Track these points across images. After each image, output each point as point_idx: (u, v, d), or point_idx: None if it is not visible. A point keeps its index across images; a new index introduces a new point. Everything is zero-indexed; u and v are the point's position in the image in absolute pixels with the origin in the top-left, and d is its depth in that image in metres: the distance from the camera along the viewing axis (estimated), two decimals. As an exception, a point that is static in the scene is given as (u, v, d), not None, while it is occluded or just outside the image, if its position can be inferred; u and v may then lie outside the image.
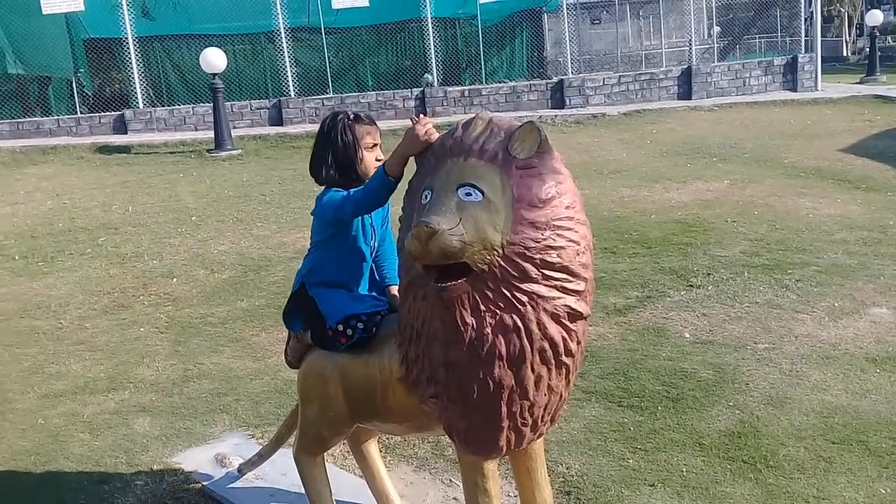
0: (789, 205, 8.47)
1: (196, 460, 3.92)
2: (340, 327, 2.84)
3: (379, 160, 2.89)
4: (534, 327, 2.28)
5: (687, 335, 5.19)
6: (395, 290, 2.90)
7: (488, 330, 2.29)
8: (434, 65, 15.95)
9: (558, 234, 2.27)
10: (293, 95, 15.42)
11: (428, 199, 2.31)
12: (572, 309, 2.32)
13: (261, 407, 4.48)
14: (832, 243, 7.04)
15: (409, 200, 2.50)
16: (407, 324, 2.50)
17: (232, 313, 6.01)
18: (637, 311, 5.60)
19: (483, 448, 2.49)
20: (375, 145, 2.99)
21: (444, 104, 15.32)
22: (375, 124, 3.05)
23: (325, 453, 3.22)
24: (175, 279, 6.92)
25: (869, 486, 3.44)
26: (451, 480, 3.75)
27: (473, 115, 2.42)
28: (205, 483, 3.69)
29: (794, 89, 16.82)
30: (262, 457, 3.59)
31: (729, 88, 16.55)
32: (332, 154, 2.94)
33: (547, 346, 2.32)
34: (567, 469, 3.70)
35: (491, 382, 2.33)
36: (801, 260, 6.56)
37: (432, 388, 2.47)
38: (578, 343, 2.40)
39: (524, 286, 2.26)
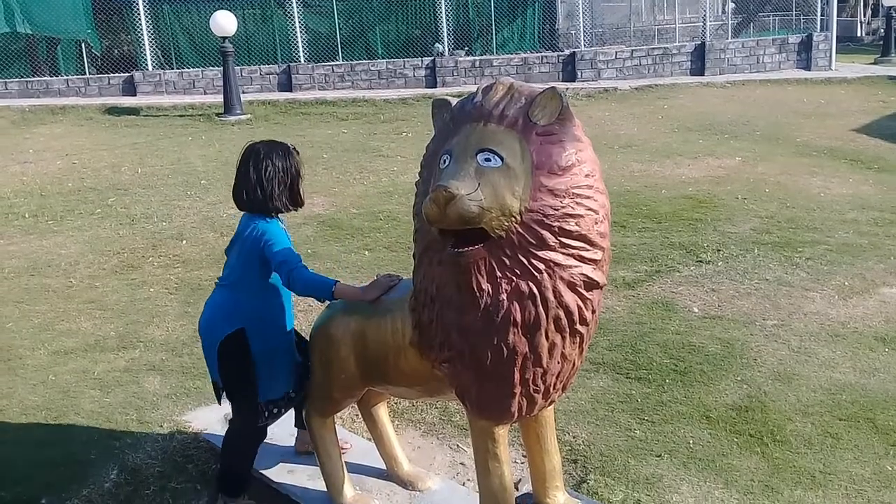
0: (801, 183, 8.42)
1: (206, 419, 3.95)
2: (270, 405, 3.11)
3: None
4: (549, 295, 2.28)
5: (695, 310, 5.20)
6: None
7: (504, 296, 2.29)
8: (445, 34, 15.80)
9: (577, 203, 2.26)
10: (303, 61, 15.31)
11: (446, 163, 2.30)
12: (589, 278, 2.32)
13: (270, 369, 4.51)
14: (843, 222, 7.01)
15: (427, 164, 2.48)
16: (421, 289, 2.50)
17: (241, 277, 6.02)
18: (646, 285, 5.60)
19: (495, 414, 2.50)
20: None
21: (455, 74, 15.20)
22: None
23: (335, 415, 3.24)
24: (184, 241, 6.93)
25: (876, 463, 3.46)
26: (458, 445, 3.78)
27: (494, 80, 2.40)
28: (214, 441, 3.72)
29: (807, 68, 16.64)
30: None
31: (742, 65, 16.37)
32: (290, 183, 3.02)
33: (562, 314, 2.32)
34: (574, 438, 3.72)
35: (505, 349, 2.34)
36: (811, 238, 6.54)
37: (445, 353, 2.48)
38: (593, 312, 2.40)
39: (541, 254, 2.25)
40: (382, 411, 3.34)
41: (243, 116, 12.39)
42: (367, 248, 6.57)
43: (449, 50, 15.75)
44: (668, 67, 16.03)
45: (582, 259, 2.29)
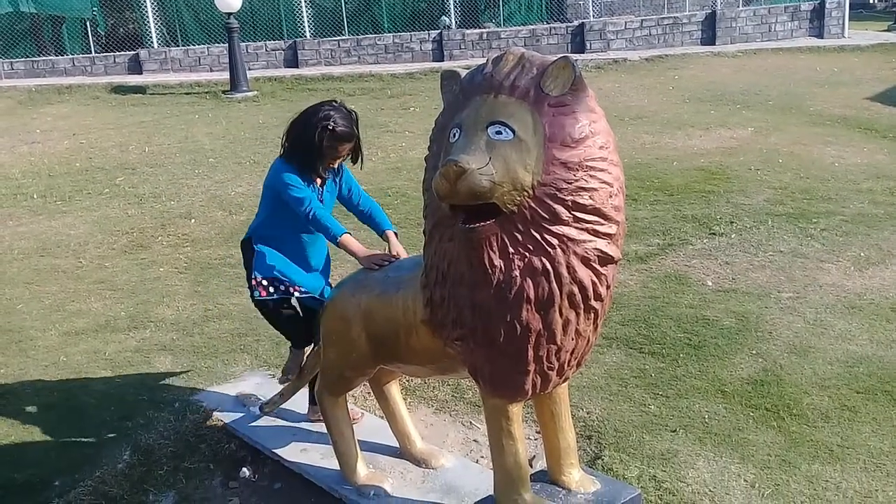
0: (814, 153, 8.30)
1: (218, 399, 3.94)
2: (265, 282, 3.30)
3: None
4: (563, 270, 2.23)
5: (709, 283, 5.14)
6: (391, 234, 3.31)
7: (517, 272, 2.24)
8: (452, 6, 15.62)
9: (591, 175, 2.20)
10: (309, 37, 15.17)
11: (456, 137, 2.24)
12: (603, 252, 2.26)
13: (281, 347, 4.47)
14: (858, 192, 6.91)
15: (437, 138, 2.42)
16: (433, 265, 2.45)
17: (250, 255, 5.99)
18: (658, 259, 5.54)
19: (509, 391, 2.47)
20: (341, 157, 3.27)
21: (462, 47, 15.03)
22: (349, 142, 3.25)
23: (347, 394, 3.22)
24: (193, 220, 6.90)
25: (894, 436, 3.41)
26: (470, 423, 3.76)
27: (504, 50, 2.33)
28: (227, 421, 3.72)
29: (820, 36, 16.38)
30: (283, 396, 3.60)
31: (754, 34, 16.12)
32: (305, 149, 3.23)
33: (576, 289, 2.27)
34: (588, 414, 3.69)
35: (518, 326, 2.30)
36: (826, 209, 6.45)
37: (458, 331, 2.44)
38: (608, 287, 2.35)
39: (554, 228, 2.20)
40: (395, 389, 3.32)
41: (250, 93, 12.31)
42: (376, 224, 6.52)
43: (456, 22, 15.57)
44: (678, 37, 15.81)
45: (596, 233, 2.24)
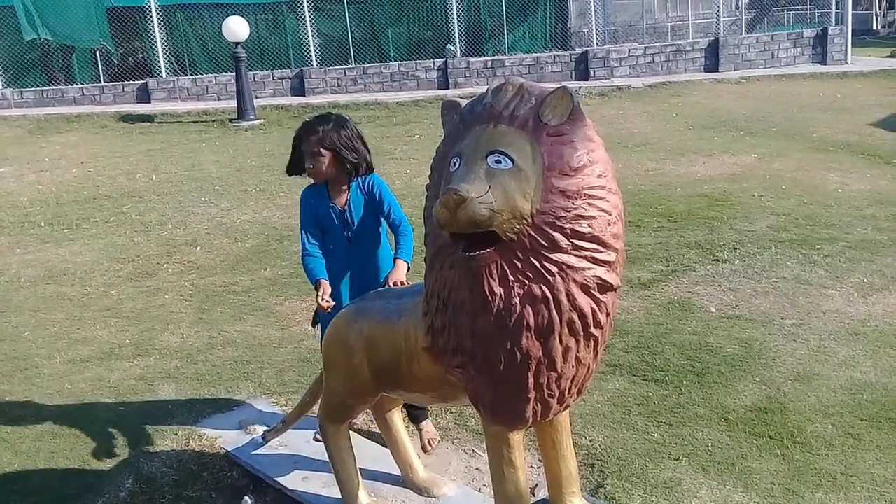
0: (818, 179, 8.32)
1: (220, 427, 3.95)
2: None
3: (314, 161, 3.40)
4: (563, 298, 2.24)
5: (713, 310, 5.14)
6: (400, 262, 3.36)
7: (516, 300, 2.25)
8: (457, 35, 15.78)
9: (589, 204, 2.22)
10: (315, 66, 15.34)
11: (456, 166, 2.27)
12: (602, 280, 2.28)
13: (284, 375, 4.50)
14: (862, 219, 6.92)
15: (437, 167, 2.45)
16: (434, 293, 2.47)
17: (255, 282, 6.03)
18: (662, 285, 5.55)
19: (509, 419, 2.47)
20: (307, 153, 3.39)
21: (467, 75, 15.17)
22: (311, 134, 3.37)
23: (349, 422, 3.22)
24: (199, 248, 6.94)
25: (898, 464, 3.39)
26: (473, 451, 3.75)
27: (503, 81, 2.36)
28: (229, 449, 3.72)
29: (823, 62, 16.49)
30: (286, 424, 3.60)
31: (757, 61, 16.23)
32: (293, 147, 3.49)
33: (576, 317, 2.28)
34: (591, 442, 3.68)
35: (518, 353, 2.31)
36: (829, 235, 6.46)
37: (459, 358, 2.45)
38: (608, 315, 2.36)
39: (554, 256, 2.22)
40: (397, 416, 3.32)
41: (257, 121, 12.42)
42: (380, 251, 6.55)
43: (461, 51, 15.72)
44: (681, 64, 15.93)
45: (595, 261, 2.25)
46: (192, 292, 5.96)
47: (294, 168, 3.44)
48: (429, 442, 3.67)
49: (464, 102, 2.45)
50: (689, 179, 8.41)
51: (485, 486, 3.45)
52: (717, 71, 15.74)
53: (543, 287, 2.23)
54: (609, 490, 3.29)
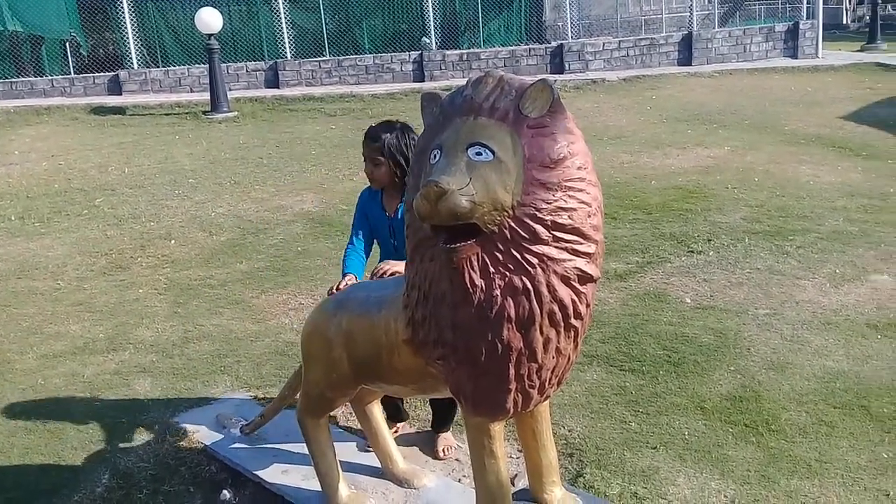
0: (790, 172, 8.43)
1: (198, 421, 3.92)
2: None
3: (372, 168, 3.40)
4: (543, 290, 2.25)
5: (688, 300, 5.19)
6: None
7: (497, 292, 2.26)
8: (432, 28, 15.75)
9: (570, 196, 2.23)
10: (290, 57, 15.24)
11: (437, 158, 2.27)
12: (582, 271, 2.29)
13: (262, 368, 4.48)
14: (833, 210, 7.02)
15: (417, 160, 2.45)
16: (414, 285, 2.47)
17: (231, 275, 5.99)
18: (638, 277, 5.59)
19: (490, 410, 2.48)
20: (365, 159, 3.41)
21: (442, 68, 15.16)
22: (370, 140, 3.39)
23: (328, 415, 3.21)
24: (173, 241, 6.88)
25: (871, 451, 3.45)
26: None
27: (483, 73, 2.37)
28: (207, 443, 3.69)
29: (794, 56, 16.67)
30: (264, 418, 3.59)
31: (729, 55, 16.38)
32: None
33: (556, 308, 2.29)
34: (569, 431, 3.71)
35: (499, 345, 2.31)
36: (801, 226, 6.55)
37: (439, 350, 2.45)
38: (588, 306, 2.37)
39: (534, 248, 2.22)
40: (376, 409, 3.32)
41: (230, 114, 12.32)
42: (357, 244, 6.53)
43: (437, 43, 15.70)
44: (655, 58, 16.04)
45: (575, 252, 2.26)
46: (167, 286, 5.90)
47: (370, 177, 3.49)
48: (444, 449, 3.62)
49: (444, 95, 2.45)
50: (664, 172, 8.48)
51: (464, 476, 3.47)
52: (691, 64, 15.87)
53: (524, 279, 2.24)
54: (588, 479, 3.32)
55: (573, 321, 2.35)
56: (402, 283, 2.70)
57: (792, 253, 5.94)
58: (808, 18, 17.00)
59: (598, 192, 2.33)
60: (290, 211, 7.49)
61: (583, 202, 2.25)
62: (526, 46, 16.05)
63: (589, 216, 2.27)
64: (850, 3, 34.53)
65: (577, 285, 2.30)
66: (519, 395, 2.44)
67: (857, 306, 4.99)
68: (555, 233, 2.23)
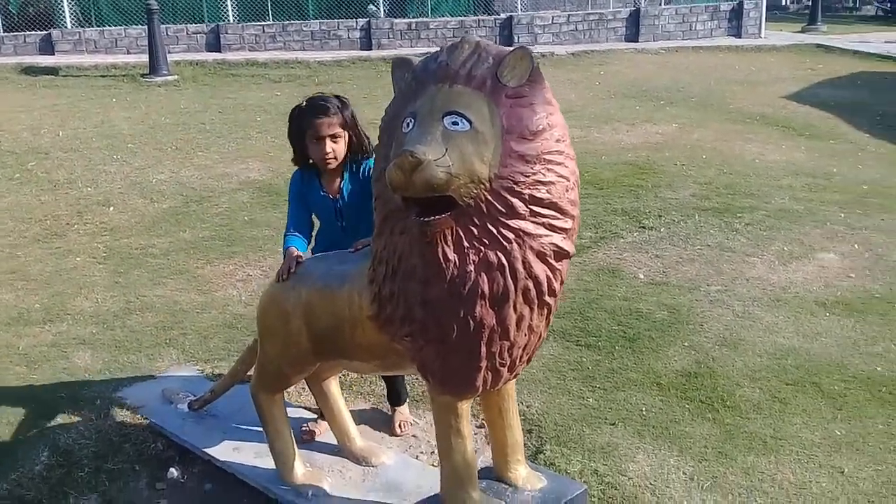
0: (736, 150, 8.54)
1: (142, 396, 3.75)
2: None
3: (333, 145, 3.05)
4: (519, 266, 2.18)
5: (641, 276, 5.20)
6: None
7: (471, 267, 2.17)
8: (380, -6, 15.47)
9: (548, 169, 2.15)
10: (232, 21, 14.76)
11: (410, 127, 2.16)
12: (559, 247, 2.22)
13: (209, 341, 4.32)
14: (779, 188, 7.13)
15: (388, 128, 2.33)
16: (381, 259, 2.37)
17: (174, 245, 5.77)
18: (591, 252, 5.58)
19: (459, 388, 2.41)
20: (320, 138, 3.01)
21: (390, 36, 14.89)
22: (325, 115, 3.01)
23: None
24: (112, 208, 6.60)
25: (824, 428, 3.50)
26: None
27: (459, 38, 2.26)
28: (152, 419, 3.54)
29: (738, 35, 16.90)
30: (214, 393, 3.45)
31: (675, 32, 16.51)
32: (292, 140, 3.13)
33: (531, 285, 2.22)
34: (528, 407, 3.67)
35: (471, 322, 2.24)
36: (749, 204, 6.63)
37: (407, 327, 2.36)
38: (561, 283, 2.32)
39: (511, 222, 2.15)
40: (334, 386, 3.21)
41: (170, 77, 11.89)
42: (306, 214, 6.35)
43: (385, 11, 15.41)
44: (603, 33, 16.06)
45: (552, 228, 2.19)
46: (106, 254, 5.65)
47: (304, 162, 3.13)
48: (400, 425, 3.51)
49: (416, 60, 2.33)
50: (614, 147, 8.49)
51: (422, 453, 3.40)
52: (638, 41, 15.94)
53: (499, 254, 2.16)
54: (548, 455, 3.29)
55: (547, 298, 2.29)
56: (365, 258, 2.59)
57: (741, 230, 6.00)
58: (752, -1, 17.21)
59: (575, 166, 2.26)
60: (236, 179, 7.25)
61: (561, 176, 2.18)
62: (475, 17, 15.88)
63: (567, 190, 2.20)
64: (789, -15, 35.16)
65: (552, 261, 2.24)
66: (489, 373, 2.37)
67: (806, 284, 5.07)
68: (532, 207, 2.15)
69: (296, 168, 3.20)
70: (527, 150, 2.13)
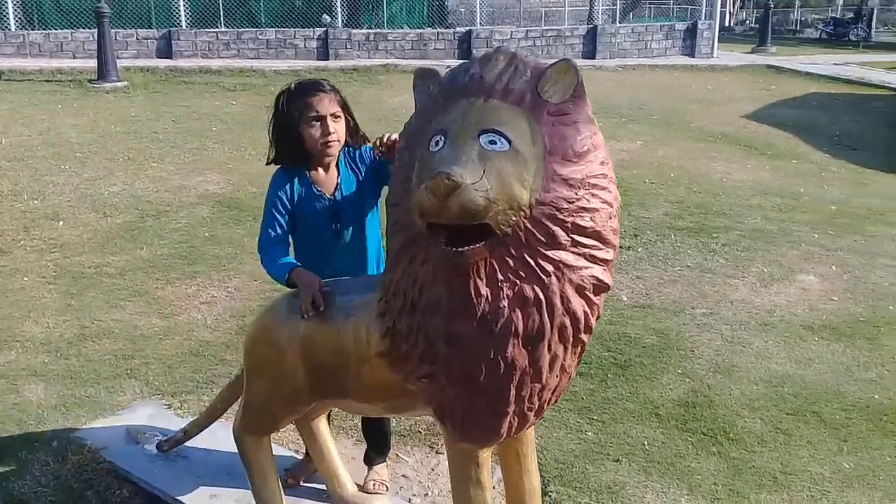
0: (702, 168, 8.51)
1: (104, 435, 3.40)
2: None
3: (335, 125, 2.67)
4: (556, 301, 1.96)
5: (625, 298, 5.04)
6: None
7: (505, 303, 1.95)
8: (339, 5, 15.18)
9: (592, 194, 1.94)
10: (185, 27, 14.31)
11: (440, 145, 1.92)
12: (599, 280, 2.01)
13: (175, 371, 3.99)
14: (750, 208, 7.09)
15: (409, 145, 2.09)
16: (397, 291, 2.12)
17: (131, 263, 5.39)
18: (572, 273, 5.39)
19: (483, 436, 2.17)
20: (321, 118, 2.64)
21: (348, 47, 14.62)
22: (323, 91, 2.66)
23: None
24: (61, 222, 6.17)
25: (832, 461, 3.36)
26: (397, 455, 3.42)
27: (492, 49, 2.04)
28: (117, 462, 3.20)
29: (692, 55, 17.12)
30: (187, 434, 3.13)
31: (631, 50, 16.64)
32: (279, 131, 2.72)
33: (568, 321, 2.00)
34: (527, 444, 3.44)
35: (502, 362, 2.01)
36: (723, 224, 6.56)
37: (427, 367, 2.11)
38: (597, 318, 2.10)
39: (550, 253, 1.93)
40: (323, 425, 2.94)
41: (119, 84, 11.40)
42: (272, 231, 6.03)
43: (343, 21, 15.14)
44: (560, 49, 16.08)
45: (593, 259, 1.98)
46: (57, 274, 5.25)
47: (293, 155, 2.68)
48: (373, 485, 3.07)
49: (441, 71, 2.10)
50: (582, 164, 8.36)
51: (414, 495, 3.15)
52: (595, 58, 16.00)
53: (536, 288, 1.94)
54: (554, 497, 3.07)
55: (583, 335, 2.08)
56: (370, 286, 2.35)
57: (718, 251, 5.91)
58: (705, 19, 17.46)
59: (617, 192, 2.06)
60: (194, 192, 6.89)
61: (605, 202, 1.97)
62: (434, 30, 15.73)
63: (610, 218, 2.00)
64: (733, 7, 36.05)
65: (591, 295, 2.02)
66: (515, 417, 2.14)
67: (790, 307, 4.98)
68: (574, 236, 1.94)
69: (276, 169, 2.74)
70: (571, 174, 1.91)
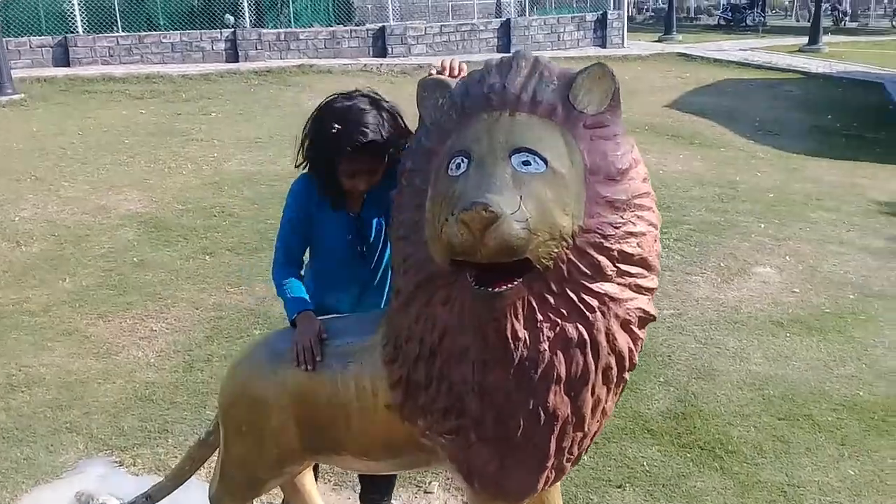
0: (637, 160, 8.45)
1: (47, 502, 2.99)
2: None
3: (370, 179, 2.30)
4: (602, 339, 1.73)
5: (589, 303, 4.86)
6: None
7: (545, 346, 1.70)
8: (246, 4, 14.58)
9: (638, 217, 1.71)
10: (81, 33, 13.45)
11: (464, 169, 1.65)
12: (645, 312, 1.78)
13: (121, 421, 3.57)
14: (692, 200, 7.05)
15: (418, 167, 1.81)
16: (412, 335, 1.84)
17: (54, 297, 4.88)
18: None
19: (516, 494, 1.91)
20: (356, 173, 2.26)
21: (258, 48, 14.05)
22: (366, 153, 2.21)
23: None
24: (-34, 254, 5.59)
25: (836, 468, 3.25)
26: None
27: (510, 55, 1.78)
28: (66, 535, 2.81)
29: (603, 45, 17.22)
30: (151, 499, 2.75)
31: (545, 42, 16.61)
32: (316, 159, 2.31)
33: (614, 361, 1.78)
34: (521, 474, 3.20)
35: (542, 413, 1.76)
36: (670, 218, 6.46)
37: (452, 422, 1.84)
38: (639, 352, 1.87)
39: (595, 286, 1.68)
40: (308, 479, 2.63)
41: (16, 96, 10.58)
42: (206, 251, 5.60)
43: (251, 21, 14.55)
44: (475, 44, 15.92)
45: (639, 289, 1.75)
46: (-33, 313, 4.71)
47: (322, 182, 2.31)
48: None
49: (451, 82, 1.82)
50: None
51: (407, 543, 2.87)
52: (509, 51, 15.84)
53: (580, 326, 1.70)
54: (562, 535, 2.83)
55: (626, 374, 1.84)
56: (367, 327, 2.06)
57: (672, 247, 5.81)
58: (614, 9, 17.61)
59: (658, 212, 1.83)
60: (115, 213, 6.36)
61: (651, 224, 1.75)
62: (346, 28, 15.31)
63: (655, 241, 1.77)
64: (633, -4, 36.74)
65: (636, 329, 1.80)
66: (553, 471, 1.90)
67: (754, 302, 4.90)
68: (620, 265, 1.70)
69: (301, 172, 2.37)
70: (615, 195, 1.67)
